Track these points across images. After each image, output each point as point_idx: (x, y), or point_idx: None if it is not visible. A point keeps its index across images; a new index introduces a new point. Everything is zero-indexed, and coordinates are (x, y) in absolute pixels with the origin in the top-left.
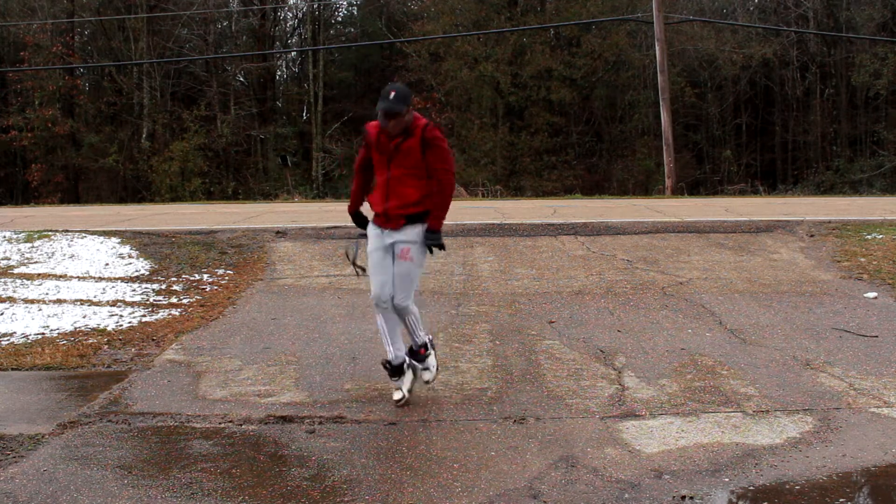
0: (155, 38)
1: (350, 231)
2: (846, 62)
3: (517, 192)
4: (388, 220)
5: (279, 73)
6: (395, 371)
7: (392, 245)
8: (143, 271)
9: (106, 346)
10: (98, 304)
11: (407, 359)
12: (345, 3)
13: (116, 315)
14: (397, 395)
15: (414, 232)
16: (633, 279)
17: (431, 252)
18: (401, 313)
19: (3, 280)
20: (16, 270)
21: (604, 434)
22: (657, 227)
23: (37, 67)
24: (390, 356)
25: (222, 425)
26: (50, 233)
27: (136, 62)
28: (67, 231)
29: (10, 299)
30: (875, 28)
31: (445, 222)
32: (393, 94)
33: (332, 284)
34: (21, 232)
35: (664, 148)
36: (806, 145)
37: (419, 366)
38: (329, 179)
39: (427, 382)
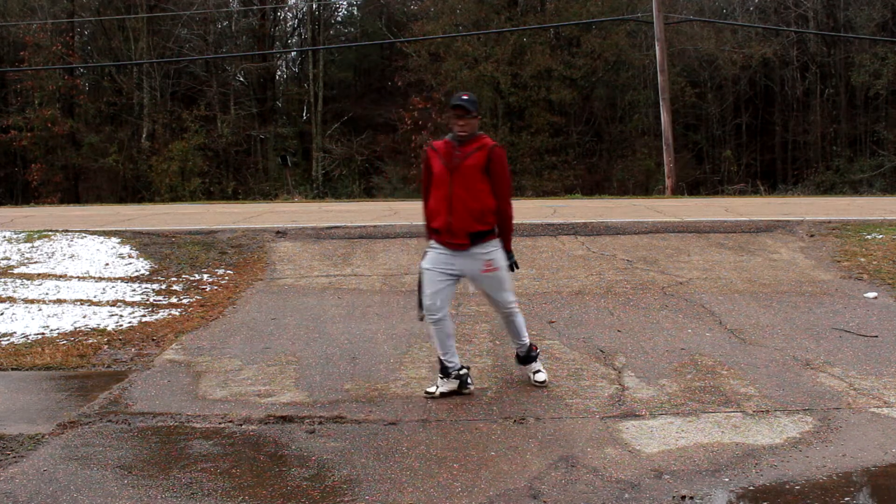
0: (155, 38)
1: (350, 231)
2: (846, 62)
3: (517, 192)
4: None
5: (279, 73)
6: (443, 370)
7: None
8: (143, 271)
9: (106, 346)
10: (98, 304)
11: (462, 370)
12: (345, 3)
13: (116, 315)
14: (430, 388)
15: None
16: (633, 279)
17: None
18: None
19: (3, 280)
20: (16, 270)
21: (604, 434)
22: (657, 227)
23: (37, 67)
24: (442, 360)
25: (222, 425)
26: (50, 233)
27: (136, 62)
28: (67, 231)
29: (10, 299)
30: (875, 28)
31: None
32: (466, 95)
33: (332, 284)
34: (21, 232)
35: (664, 148)
36: (806, 145)
37: (533, 366)
38: (329, 179)
39: (543, 383)
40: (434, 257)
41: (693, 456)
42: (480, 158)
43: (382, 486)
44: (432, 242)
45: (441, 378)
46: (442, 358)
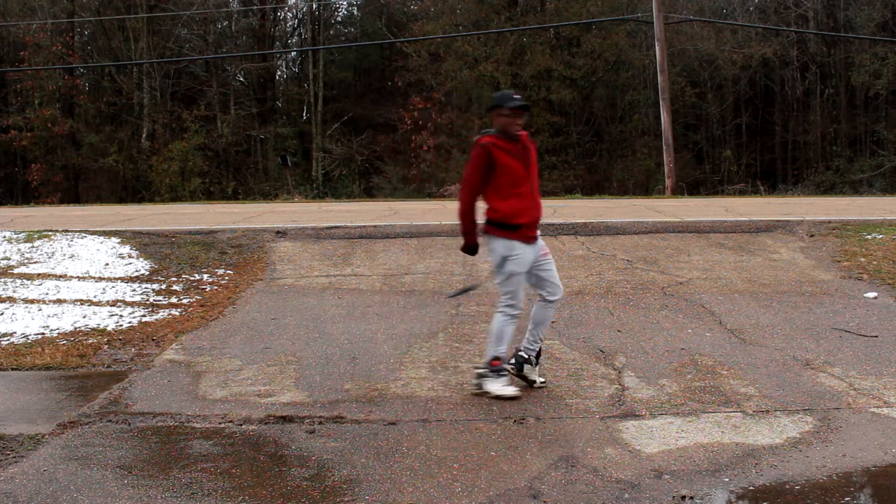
0: (155, 38)
1: (350, 231)
2: (846, 62)
3: None
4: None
5: (279, 73)
6: (526, 363)
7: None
8: (143, 271)
9: (106, 346)
10: (98, 304)
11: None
12: (345, 3)
13: (116, 315)
14: (541, 379)
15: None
16: (633, 279)
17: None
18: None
19: (3, 280)
20: (16, 270)
21: (604, 434)
22: (657, 227)
23: (37, 67)
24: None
25: (222, 425)
26: (50, 233)
27: (136, 62)
28: (67, 231)
29: (10, 299)
30: (875, 28)
31: (444, 221)
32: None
33: (332, 284)
34: (21, 232)
35: (664, 148)
36: (806, 145)
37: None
38: (329, 179)
39: (544, 384)
40: (524, 258)
41: (693, 456)
42: (535, 152)
43: (382, 486)
44: (515, 243)
45: (529, 366)
46: (503, 354)
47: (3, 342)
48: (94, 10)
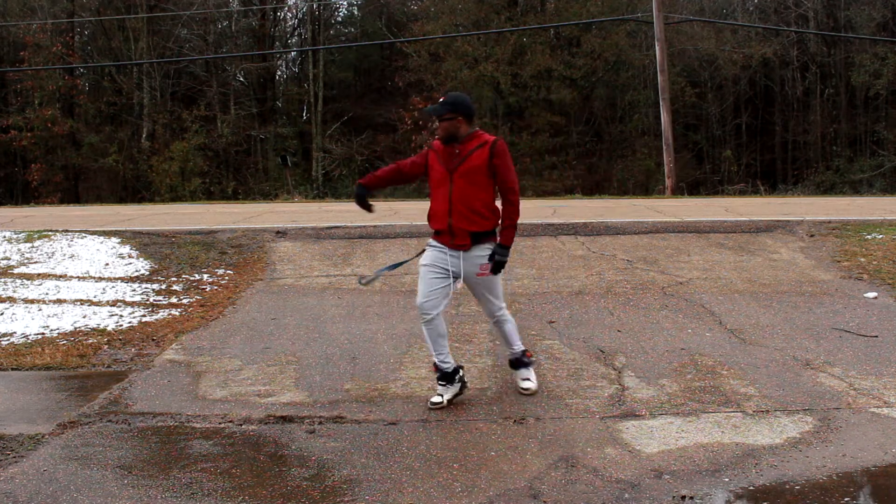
0: (155, 38)
1: (350, 231)
2: (846, 62)
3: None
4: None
5: (279, 73)
6: (444, 377)
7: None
8: (143, 271)
9: (106, 346)
10: (98, 304)
11: (460, 371)
12: (345, 3)
13: (116, 315)
14: (436, 399)
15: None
16: (633, 279)
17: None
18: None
19: (3, 280)
20: (16, 270)
21: (604, 434)
22: (657, 227)
23: (37, 67)
24: (437, 362)
25: (222, 425)
26: (50, 233)
27: (136, 62)
28: (67, 231)
29: (10, 299)
30: (875, 28)
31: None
32: (443, 98)
33: (332, 284)
34: (21, 232)
35: (664, 148)
36: (806, 145)
37: (523, 372)
38: (329, 179)
39: (527, 391)
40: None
41: (693, 456)
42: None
43: (382, 486)
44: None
45: (442, 385)
46: (437, 360)
47: (3, 342)
48: (94, 10)
